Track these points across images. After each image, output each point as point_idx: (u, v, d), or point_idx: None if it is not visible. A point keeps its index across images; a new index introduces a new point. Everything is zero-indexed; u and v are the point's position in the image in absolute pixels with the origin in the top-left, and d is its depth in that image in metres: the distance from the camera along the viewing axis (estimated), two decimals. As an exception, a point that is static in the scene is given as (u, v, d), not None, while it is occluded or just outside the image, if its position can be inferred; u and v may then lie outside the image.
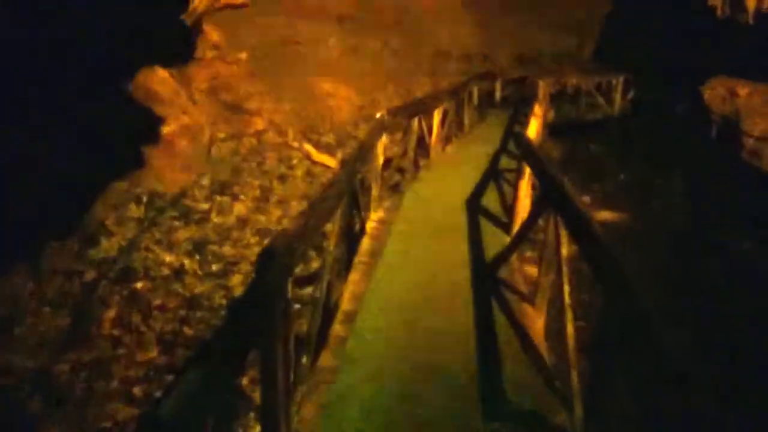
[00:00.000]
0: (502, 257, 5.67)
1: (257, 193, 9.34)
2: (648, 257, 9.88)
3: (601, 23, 20.10)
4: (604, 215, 11.36)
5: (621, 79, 17.87)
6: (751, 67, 11.16)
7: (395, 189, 8.19)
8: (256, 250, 7.08)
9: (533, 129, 7.91)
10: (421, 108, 9.13)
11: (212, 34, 13.76)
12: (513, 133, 8.44)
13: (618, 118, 17.52)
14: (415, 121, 8.44)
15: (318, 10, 15.50)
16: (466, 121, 13.42)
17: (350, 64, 15.42)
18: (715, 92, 11.55)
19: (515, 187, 6.71)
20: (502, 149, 11.27)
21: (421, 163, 9.34)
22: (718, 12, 11.89)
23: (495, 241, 6.33)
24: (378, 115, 6.70)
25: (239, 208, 8.53)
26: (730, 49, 11.86)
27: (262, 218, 8.30)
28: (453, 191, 8.02)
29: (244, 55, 13.80)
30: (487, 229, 6.72)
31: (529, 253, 6.78)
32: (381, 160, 6.83)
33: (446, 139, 11.01)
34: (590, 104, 17.60)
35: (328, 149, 12.35)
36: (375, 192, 6.81)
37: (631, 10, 18.49)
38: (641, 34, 17.65)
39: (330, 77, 14.66)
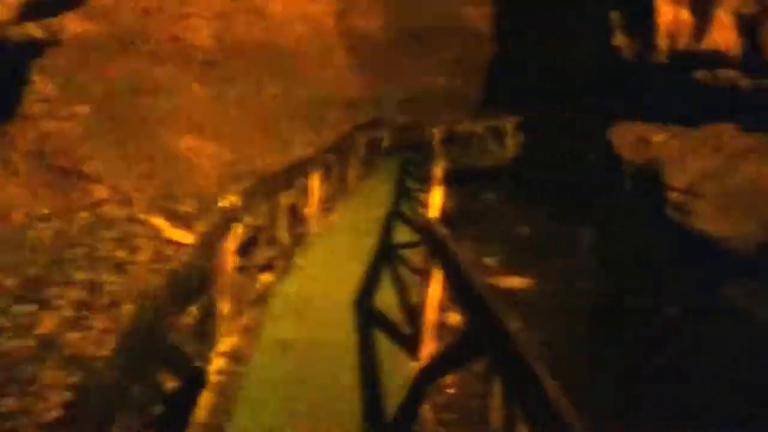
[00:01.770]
0: (408, 410, 3.81)
1: (79, 294, 7.02)
2: (565, 329, 8.56)
3: (492, 64, 19.12)
4: (513, 282, 9.88)
5: (513, 122, 16.85)
6: (663, 111, 10.06)
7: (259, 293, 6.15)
8: (55, 399, 4.85)
9: (436, 201, 6.17)
10: (293, 174, 7.24)
11: (42, 84, 11.32)
12: (418, 223, 6.63)
13: (511, 164, 16.43)
14: (283, 197, 6.52)
15: (177, 52, 13.34)
16: (352, 178, 11.66)
17: (216, 114, 13.32)
18: (625, 138, 10.37)
19: (421, 285, 4.92)
20: (395, 213, 9.56)
21: (297, 246, 7.41)
22: (624, 52, 10.79)
23: (395, 368, 4.50)
24: (223, 204, 4.70)
25: (47, 322, 6.21)
26: (639, 91, 10.78)
27: (75, 336, 6.02)
28: (336, 286, 6.15)
29: (83, 109, 11.42)
30: (384, 348, 4.87)
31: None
32: (230, 264, 4.81)
33: (328, 206, 9.16)
34: (482, 150, 16.45)
35: (187, 220, 10.13)
36: (226, 309, 4.77)
37: (524, 50, 17.59)
38: (535, 75, 16.71)
39: (192, 131, 12.49)
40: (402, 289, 6.08)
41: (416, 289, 5.29)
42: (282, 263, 6.59)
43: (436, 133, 11.92)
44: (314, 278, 6.39)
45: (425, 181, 10.79)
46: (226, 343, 4.72)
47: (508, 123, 16.68)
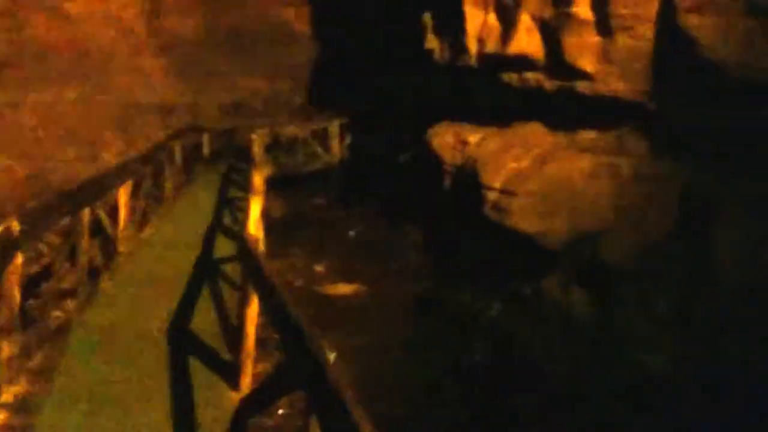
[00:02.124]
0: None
1: None
2: (393, 330, 8.59)
3: (313, 67, 18.92)
4: (342, 289, 9.77)
5: (337, 124, 16.78)
6: (478, 112, 10.38)
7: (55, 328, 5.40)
8: None
9: (255, 214, 5.80)
10: (98, 187, 6.53)
11: None
12: (238, 238, 6.17)
13: (339, 167, 16.35)
14: (85, 215, 5.84)
15: (-45, 55, 11.81)
16: (168, 189, 10.93)
17: (10, 123, 11.95)
18: (443, 139, 10.59)
19: (240, 307, 4.55)
20: (217, 225, 9.05)
21: (103, 268, 6.70)
22: (436, 55, 11.01)
23: (213, 400, 4.10)
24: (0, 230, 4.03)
25: None
26: (454, 93, 11.06)
27: None
28: (148, 311, 5.60)
29: None
30: (201, 379, 4.45)
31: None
32: (14, 298, 4.14)
33: (141, 221, 8.45)
34: (308, 154, 16.22)
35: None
36: (8, 351, 4.10)
37: (345, 52, 17.56)
38: (356, 77, 16.73)
39: (-21, 143, 11.12)
40: (222, 310, 5.65)
41: (237, 309, 4.93)
42: (85, 290, 5.90)
43: (257, 139, 11.50)
44: (122, 304, 5.78)
45: (249, 190, 10.36)
46: (10, 391, 4.06)
47: (333, 125, 16.58)
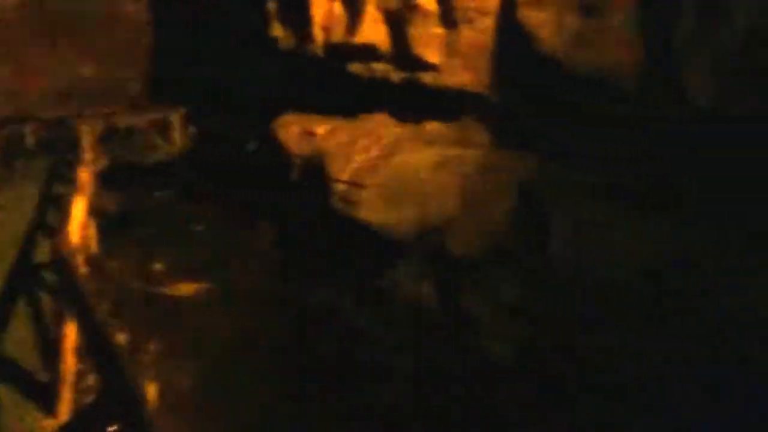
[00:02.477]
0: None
1: None
2: (243, 331, 8.27)
3: (150, 54, 17.82)
4: (185, 289, 9.23)
5: (179, 114, 15.95)
6: (325, 103, 10.17)
7: None
8: None
9: (78, 216, 5.21)
10: None
11: None
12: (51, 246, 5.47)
13: (182, 160, 15.53)
14: None
15: None
16: (-17, 185, 9.82)
17: None
18: (290, 130, 10.28)
19: (56, 322, 4.02)
20: (39, 225, 8.19)
21: None
22: (282, 44, 10.66)
23: (26, 430, 3.59)
24: None
25: None
26: (301, 82, 10.76)
27: None
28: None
29: None
30: (12, 402, 3.89)
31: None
32: None
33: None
34: (148, 145, 15.28)
35: None
36: None
37: (183, 39, 16.68)
38: (198, 64, 15.95)
39: None
40: (40, 322, 5.04)
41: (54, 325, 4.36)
42: None
43: (86, 130, 10.57)
44: None
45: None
46: None
47: (175, 115, 15.74)
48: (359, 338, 8.37)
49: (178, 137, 15.50)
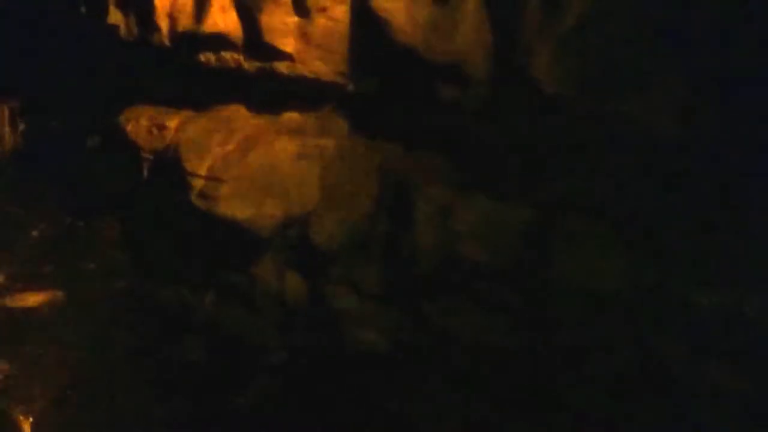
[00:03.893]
0: None
1: None
2: (100, 339, 7.89)
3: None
4: (31, 299, 8.57)
5: (6, 108, 14.60)
6: (173, 94, 9.70)
7: None
8: None
9: None
10: None
11: None
12: None
13: (12, 158, 14.25)
14: None
15: None
16: None
17: None
18: (138, 124, 9.72)
19: None
20: None
21: None
22: (122, 32, 10.01)
23: None
24: None
25: None
26: (147, 73, 10.17)
27: None
28: None
29: None
30: None
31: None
32: None
33: None
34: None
35: None
36: None
37: (13, 27, 15.26)
38: (30, 54, 14.67)
39: None
40: None
41: None
42: None
43: None
44: None
45: None
46: None
47: (1, 110, 14.40)
48: (222, 337, 8.20)
49: (8, 133, 14.20)
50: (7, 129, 14.36)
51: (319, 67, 8.08)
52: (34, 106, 14.67)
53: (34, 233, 10.86)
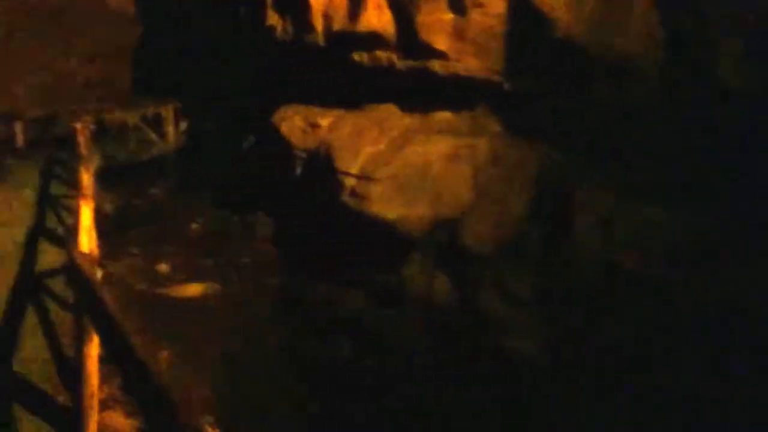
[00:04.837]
0: None
1: None
2: (252, 332, 8.04)
3: (139, 48, 17.36)
4: (191, 290, 8.93)
5: (171, 108, 15.53)
6: (327, 93, 9.84)
7: None
8: None
9: (86, 223, 4.89)
10: None
11: None
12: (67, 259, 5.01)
13: (176, 155, 15.12)
14: None
15: None
16: (-25, 189, 9.44)
17: None
18: (292, 123, 9.95)
19: (76, 341, 3.72)
20: (39, 229, 7.85)
21: None
22: (279, 33, 10.30)
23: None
24: None
25: None
26: (300, 72, 10.41)
27: None
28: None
29: None
30: (32, 430, 3.61)
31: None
32: None
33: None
34: (141, 141, 14.88)
35: None
36: None
37: (171, 32, 16.26)
38: (188, 57, 15.55)
39: None
40: (53, 338, 4.73)
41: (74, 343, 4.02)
42: None
43: (81, 128, 10.17)
44: None
45: (74, 184, 9.16)
46: None
47: (167, 110, 15.33)
48: (369, 337, 8.13)
49: (172, 133, 15.10)
50: (170, 128, 15.30)
51: (473, 64, 7.87)
52: (195, 106, 15.55)
53: (194, 226, 11.42)
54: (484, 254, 7.85)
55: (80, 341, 3.39)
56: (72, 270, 3.65)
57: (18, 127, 13.80)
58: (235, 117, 13.71)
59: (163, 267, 9.59)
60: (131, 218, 11.67)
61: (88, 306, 3.22)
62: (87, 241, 4.66)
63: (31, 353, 4.50)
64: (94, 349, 3.32)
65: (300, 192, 9.92)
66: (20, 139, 13.83)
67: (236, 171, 12.61)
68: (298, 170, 9.86)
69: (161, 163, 14.38)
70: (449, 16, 7.81)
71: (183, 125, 15.59)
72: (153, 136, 14.78)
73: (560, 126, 7.75)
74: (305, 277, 9.42)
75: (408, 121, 8.53)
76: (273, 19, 10.40)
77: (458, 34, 7.82)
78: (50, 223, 8.32)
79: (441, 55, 7.96)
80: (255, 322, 8.38)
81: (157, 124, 15.04)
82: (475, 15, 7.64)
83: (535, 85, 7.75)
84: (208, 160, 13.99)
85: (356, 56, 8.94)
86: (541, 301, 7.43)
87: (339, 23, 9.09)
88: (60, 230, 7.84)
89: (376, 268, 8.65)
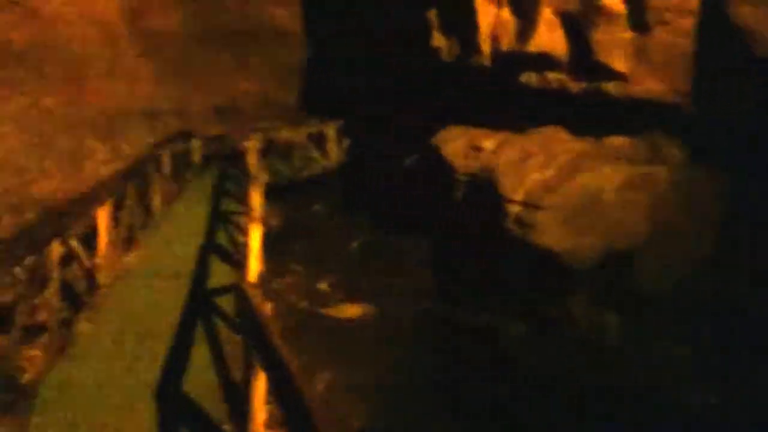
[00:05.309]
0: None
1: None
2: (408, 359, 7.86)
3: (306, 67, 18.03)
4: (349, 311, 8.96)
5: (334, 127, 15.91)
6: (491, 115, 9.55)
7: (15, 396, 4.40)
8: None
9: (255, 248, 4.94)
10: (64, 219, 5.64)
11: None
12: (236, 293, 5.07)
13: (338, 172, 15.45)
14: (54, 250, 4.98)
15: None
16: (156, 202, 10.07)
17: (-18, 133, 11.04)
18: (455, 145, 9.75)
19: (244, 373, 3.69)
20: (210, 246, 8.20)
21: (79, 308, 5.82)
22: (444, 54, 10.17)
23: None
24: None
25: None
26: (464, 95, 10.21)
27: None
28: (132, 363, 4.73)
29: None
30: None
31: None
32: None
33: (125, 244, 7.59)
34: (305, 158, 15.35)
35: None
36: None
37: (339, 51, 16.71)
38: (352, 77, 15.89)
39: (-52, 155, 10.20)
40: (220, 359, 4.80)
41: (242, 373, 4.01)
42: (55, 338, 5.04)
43: (251, 147, 10.58)
44: (101, 353, 4.92)
45: (244, 202, 9.54)
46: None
47: (330, 128, 15.72)
48: (529, 373, 7.70)
49: (335, 151, 15.46)
50: (333, 146, 15.67)
51: (654, 86, 7.27)
52: (358, 125, 15.83)
53: (354, 244, 11.56)
54: (658, 293, 7.20)
55: (247, 376, 3.35)
56: (241, 302, 3.64)
57: (195, 144, 14.72)
58: (397, 137, 13.75)
59: (323, 286, 9.75)
60: (294, 233, 12.03)
61: (256, 343, 3.16)
62: (255, 266, 4.69)
63: (200, 373, 4.58)
64: (261, 385, 3.26)
65: (460, 216, 9.68)
66: (197, 156, 14.73)
67: (396, 191, 12.61)
68: (459, 194, 9.63)
69: (324, 181, 14.75)
70: (629, 34, 7.27)
71: (345, 143, 15.92)
72: (316, 154, 15.18)
73: (751, 154, 6.96)
74: (462, 303, 9.17)
75: (577, 146, 8.03)
76: (438, 40, 10.30)
77: (639, 53, 7.25)
78: (220, 238, 8.66)
79: (619, 77, 7.43)
80: (410, 348, 8.23)
81: (320, 142, 15.45)
82: (659, 33, 7.05)
83: (725, 108, 7.00)
84: (369, 179, 14.15)
85: (524, 78, 8.59)
86: (719, 348, 6.68)
87: (507, 44, 8.79)
88: (229, 248, 8.13)
89: (541, 300, 8.22)
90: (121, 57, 14.24)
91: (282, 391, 2.72)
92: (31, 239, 4.61)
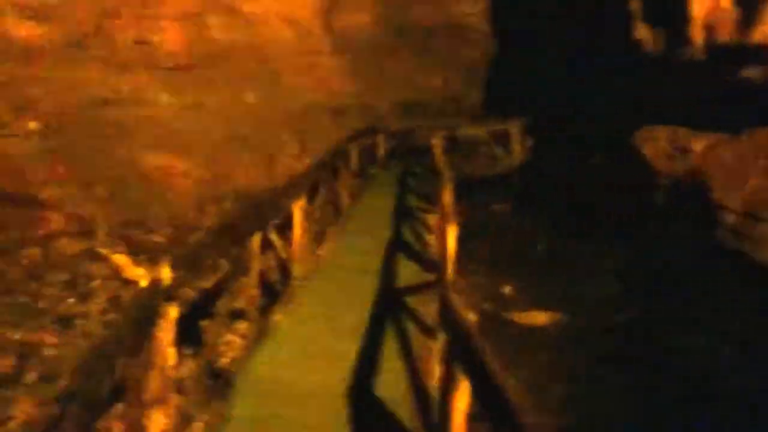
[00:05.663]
0: None
1: (6, 362, 5.60)
2: (603, 379, 7.28)
3: (491, 63, 17.70)
4: (537, 318, 8.52)
5: (518, 125, 15.46)
6: (700, 115, 8.67)
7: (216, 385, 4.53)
8: None
9: (451, 250, 4.74)
10: (265, 214, 5.80)
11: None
12: (442, 304, 4.95)
13: (520, 173, 15.00)
14: (255, 241, 5.12)
15: (142, 58, 11.89)
16: (345, 197, 10.27)
17: (190, 127, 11.90)
18: (657, 145, 8.98)
19: (443, 386, 3.48)
20: (397, 242, 8.17)
21: (276, 299, 5.99)
22: (648, 46, 9.40)
23: None
24: (153, 279, 3.30)
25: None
26: (669, 91, 9.38)
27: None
28: (323, 362, 4.72)
29: (34, 125, 10.00)
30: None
31: None
32: (164, 362, 3.38)
33: (317, 238, 7.76)
34: (488, 156, 15.07)
35: (155, 252, 8.72)
36: (158, 426, 3.34)
37: (527, 47, 16.20)
38: (539, 73, 15.33)
39: (162, 147, 11.08)
40: (410, 363, 4.66)
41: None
42: (254, 327, 5.17)
43: (438, 145, 10.46)
44: (296, 348, 4.95)
45: (428, 198, 9.45)
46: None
47: (514, 126, 15.30)
48: (739, 403, 6.84)
49: (519, 149, 15.01)
50: (517, 145, 15.24)
51: None
52: (543, 124, 15.26)
53: (540, 247, 11.06)
54: None
55: (448, 389, 3.14)
56: (444, 310, 3.44)
57: (380, 139, 14.94)
58: (584, 136, 13.06)
59: (508, 289, 9.39)
60: (474, 232, 11.77)
61: (461, 355, 2.94)
62: (451, 270, 4.50)
63: (391, 377, 4.46)
64: (463, 401, 3.03)
65: (660, 222, 8.90)
66: (380, 150, 14.96)
67: (581, 193, 11.94)
68: (660, 198, 8.86)
69: (506, 180, 14.37)
70: None
71: (529, 142, 15.41)
72: (499, 152, 14.84)
73: None
74: (656, 318, 8.42)
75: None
76: (642, 32, 9.53)
77: None
78: (406, 235, 8.62)
79: None
80: (600, 362, 7.67)
81: (504, 140, 15.09)
82: None
83: None
84: (553, 178, 13.54)
85: (745, 72, 7.67)
86: None
87: (725, 35, 7.91)
88: (416, 246, 8.05)
89: (751, 322, 7.32)
90: (314, 55, 14.80)
91: (494, 412, 2.48)
92: (235, 232, 4.76)
